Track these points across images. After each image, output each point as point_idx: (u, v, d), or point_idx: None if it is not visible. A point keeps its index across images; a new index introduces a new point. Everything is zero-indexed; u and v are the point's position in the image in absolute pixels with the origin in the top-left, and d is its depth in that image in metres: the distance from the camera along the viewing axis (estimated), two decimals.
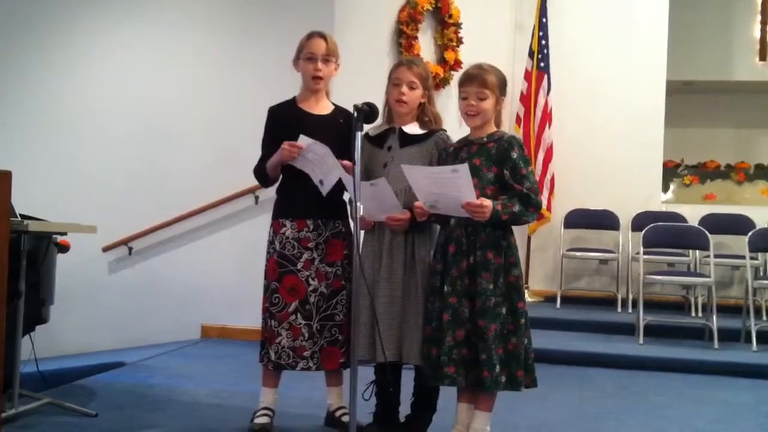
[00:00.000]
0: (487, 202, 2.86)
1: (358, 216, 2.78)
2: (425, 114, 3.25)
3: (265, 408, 3.35)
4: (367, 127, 3.09)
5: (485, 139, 3.04)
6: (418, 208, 3.00)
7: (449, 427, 3.09)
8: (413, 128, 3.23)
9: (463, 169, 2.80)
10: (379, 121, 3.19)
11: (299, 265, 3.27)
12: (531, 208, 2.93)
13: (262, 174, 3.38)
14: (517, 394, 3.00)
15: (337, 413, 3.40)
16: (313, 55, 3.30)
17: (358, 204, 2.77)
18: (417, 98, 3.21)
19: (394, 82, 3.21)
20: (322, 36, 3.33)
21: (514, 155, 2.96)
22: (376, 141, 3.27)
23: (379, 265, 3.16)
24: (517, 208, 2.91)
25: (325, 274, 3.28)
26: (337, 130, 3.28)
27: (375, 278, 3.15)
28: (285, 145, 3.16)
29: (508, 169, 2.96)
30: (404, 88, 3.18)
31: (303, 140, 3.13)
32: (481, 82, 3.00)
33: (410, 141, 3.21)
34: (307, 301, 3.25)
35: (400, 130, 3.23)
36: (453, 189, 2.84)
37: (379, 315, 3.07)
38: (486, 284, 2.93)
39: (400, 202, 3.08)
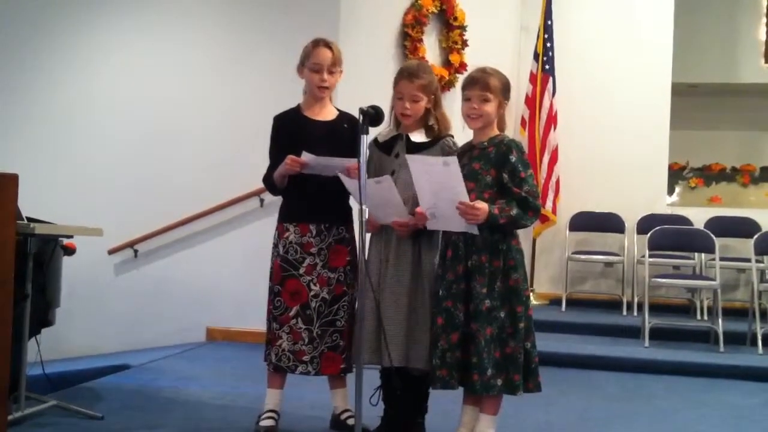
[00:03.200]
0: (481, 205, 2.86)
1: (363, 219, 2.78)
2: (430, 119, 3.25)
3: (271, 410, 3.35)
4: (376, 132, 3.09)
5: (486, 143, 3.04)
6: (420, 214, 3.00)
7: (454, 430, 3.09)
8: (419, 136, 3.24)
9: (453, 161, 2.82)
10: (387, 125, 3.20)
11: (301, 270, 3.28)
12: (529, 212, 2.92)
13: (271, 184, 3.39)
14: (522, 398, 2.99)
15: (342, 416, 3.40)
16: (320, 66, 3.30)
17: (363, 207, 2.78)
18: (421, 109, 3.21)
19: (397, 96, 3.21)
20: (328, 45, 3.33)
21: (513, 158, 2.95)
22: (384, 148, 3.28)
23: (385, 269, 3.16)
24: (515, 211, 2.89)
25: (327, 280, 3.29)
26: (341, 135, 3.30)
27: (380, 283, 3.15)
28: (288, 160, 3.19)
29: (507, 173, 2.95)
30: (407, 103, 3.17)
31: (306, 156, 3.15)
32: (484, 85, 3.00)
33: (417, 148, 3.20)
34: (308, 306, 3.26)
35: (407, 137, 3.23)
36: (446, 185, 2.85)
37: (385, 320, 3.07)
38: (480, 288, 2.93)
39: (407, 209, 3.09)
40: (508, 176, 2.94)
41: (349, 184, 3.13)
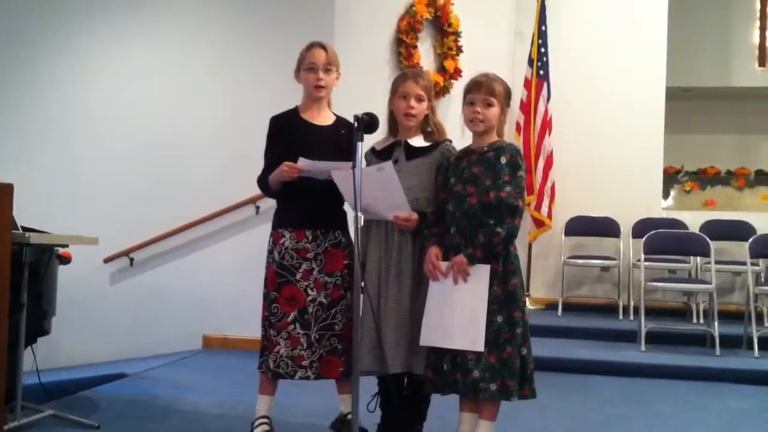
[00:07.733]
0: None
1: (358, 226, 2.79)
2: (428, 125, 3.26)
3: (263, 416, 3.34)
4: (371, 141, 3.09)
5: (486, 148, 3.04)
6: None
7: None
8: (418, 140, 3.25)
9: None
10: (382, 133, 3.21)
11: (298, 276, 3.27)
12: (506, 218, 2.91)
13: (266, 186, 3.38)
14: (519, 403, 2.99)
15: (348, 417, 3.38)
16: (314, 66, 3.31)
17: (359, 214, 2.78)
18: (424, 110, 3.23)
19: (401, 95, 3.21)
20: (322, 46, 3.35)
21: (503, 160, 2.96)
22: (382, 155, 3.27)
23: (387, 273, 3.14)
24: (502, 233, 2.89)
25: (324, 285, 3.28)
26: (339, 141, 3.29)
27: (380, 287, 3.13)
28: (284, 167, 3.18)
29: (494, 175, 2.95)
30: (412, 102, 3.19)
31: (302, 162, 3.15)
32: (489, 89, 3.01)
33: (416, 153, 3.21)
34: (305, 311, 3.25)
35: (406, 143, 3.24)
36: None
37: (387, 325, 3.07)
38: None
39: (409, 203, 3.10)
40: (491, 179, 2.95)
41: (343, 185, 3.08)
